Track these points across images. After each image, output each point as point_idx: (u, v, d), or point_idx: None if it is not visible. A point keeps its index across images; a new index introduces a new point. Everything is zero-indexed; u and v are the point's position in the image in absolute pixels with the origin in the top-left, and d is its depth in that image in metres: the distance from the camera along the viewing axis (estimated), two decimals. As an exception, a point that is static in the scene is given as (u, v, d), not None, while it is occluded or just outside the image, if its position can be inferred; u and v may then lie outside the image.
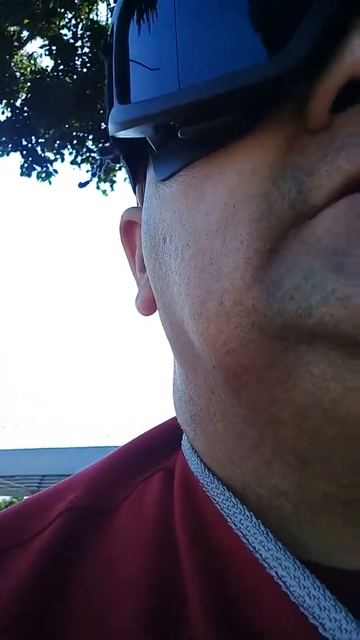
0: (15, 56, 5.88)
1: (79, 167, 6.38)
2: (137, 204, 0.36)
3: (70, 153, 6.34)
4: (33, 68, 6.10)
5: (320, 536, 0.26)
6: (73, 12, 5.62)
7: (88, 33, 5.72)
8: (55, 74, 5.90)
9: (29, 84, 6.03)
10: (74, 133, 6.14)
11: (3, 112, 6.09)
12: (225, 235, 0.23)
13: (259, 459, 0.26)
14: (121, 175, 6.97)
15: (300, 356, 0.21)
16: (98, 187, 6.32)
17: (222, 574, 0.26)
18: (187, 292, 0.25)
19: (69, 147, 6.25)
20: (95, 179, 5.73)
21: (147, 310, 0.33)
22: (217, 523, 0.27)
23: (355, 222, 0.19)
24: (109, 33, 0.30)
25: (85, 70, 5.77)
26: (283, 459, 0.25)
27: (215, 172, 0.24)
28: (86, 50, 5.77)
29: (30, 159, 6.24)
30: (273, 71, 0.20)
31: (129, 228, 0.37)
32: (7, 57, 5.72)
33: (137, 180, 0.36)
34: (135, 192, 0.37)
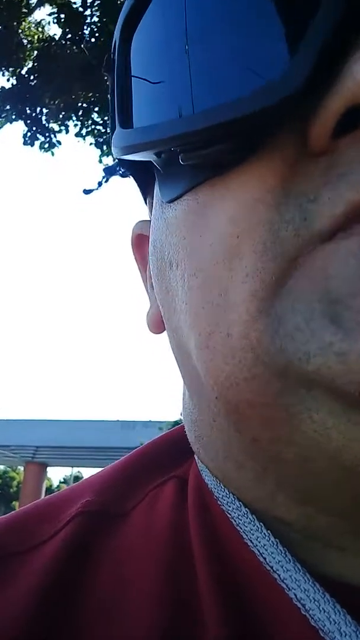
0: (24, 23, 5.76)
1: (84, 139, 6.29)
2: (149, 215, 0.36)
3: (75, 125, 6.25)
4: (41, 36, 5.98)
5: (332, 561, 0.26)
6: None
7: (97, 2, 5.59)
8: (63, 42, 5.79)
9: (35, 52, 5.91)
10: (80, 104, 6.04)
11: (9, 80, 5.99)
12: (231, 267, 0.22)
13: (262, 490, 0.26)
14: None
15: (302, 400, 0.21)
16: (100, 161, 6.25)
17: (239, 593, 0.25)
18: (193, 322, 0.25)
19: (73, 118, 6.16)
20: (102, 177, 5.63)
21: (156, 328, 0.33)
22: (233, 539, 0.27)
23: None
24: (112, 50, 0.29)
25: (93, 39, 5.66)
26: (286, 493, 0.25)
27: (217, 198, 0.23)
28: (95, 19, 5.65)
29: (34, 128, 6.15)
30: (272, 99, 0.20)
31: (140, 242, 0.37)
32: (15, 24, 5.61)
33: (147, 193, 0.35)
34: (146, 203, 0.37)
